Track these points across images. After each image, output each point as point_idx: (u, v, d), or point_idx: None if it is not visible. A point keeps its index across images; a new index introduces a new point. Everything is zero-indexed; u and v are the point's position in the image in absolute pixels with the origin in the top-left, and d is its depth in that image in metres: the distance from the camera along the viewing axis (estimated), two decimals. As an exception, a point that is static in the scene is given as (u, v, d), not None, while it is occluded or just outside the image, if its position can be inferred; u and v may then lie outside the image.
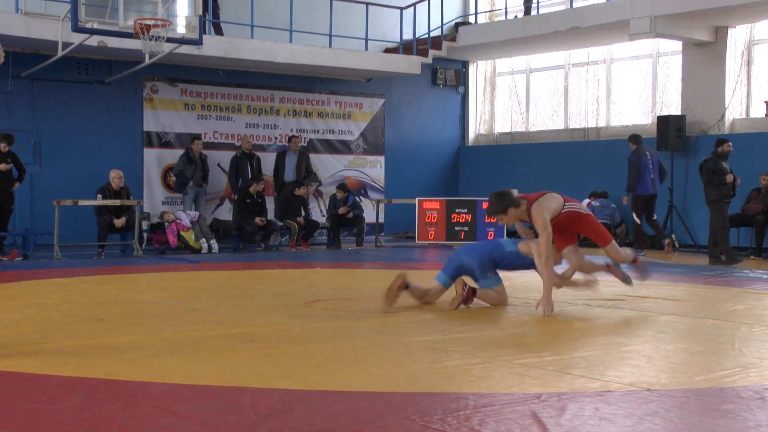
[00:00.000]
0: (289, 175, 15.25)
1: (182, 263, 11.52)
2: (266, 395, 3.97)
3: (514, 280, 9.37)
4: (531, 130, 18.40)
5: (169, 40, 12.07)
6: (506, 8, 17.51)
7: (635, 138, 14.17)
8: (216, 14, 15.41)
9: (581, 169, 16.87)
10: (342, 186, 15.64)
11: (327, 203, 16.15)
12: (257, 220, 14.20)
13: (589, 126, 17.32)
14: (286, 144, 15.74)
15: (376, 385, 4.26)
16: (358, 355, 5.08)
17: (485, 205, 15.11)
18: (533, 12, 17.20)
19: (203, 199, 14.83)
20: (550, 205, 6.92)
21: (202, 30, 12.62)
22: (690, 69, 15.32)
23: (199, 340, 5.47)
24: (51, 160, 14.37)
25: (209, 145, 15.46)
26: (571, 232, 7.19)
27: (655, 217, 14.09)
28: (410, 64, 16.74)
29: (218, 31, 15.41)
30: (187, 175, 14.32)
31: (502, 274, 7.38)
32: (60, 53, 12.67)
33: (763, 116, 14.62)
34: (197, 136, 14.93)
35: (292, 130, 16.43)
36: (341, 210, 15.09)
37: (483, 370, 4.58)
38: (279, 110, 16.49)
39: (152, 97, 15.13)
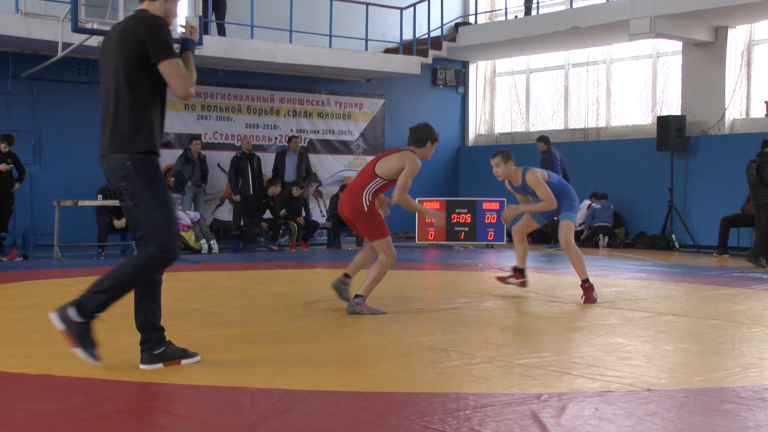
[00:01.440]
0: (290, 175, 15.25)
1: (182, 263, 11.52)
2: (266, 395, 3.97)
3: (514, 280, 9.37)
4: (531, 130, 18.40)
5: (169, 40, 12.06)
6: (506, 8, 17.51)
7: (546, 139, 14.98)
8: (223, 15, 15.38)
9: (581, 169, 16.87)
10: (344, 187, 15.64)
11: (327, 203, 16.15)
12: (281, 212, 14.29)
13: (589, 126, 17.33)
14: (286, 144, 15.74)
15: (376, 385, 4.26)
16: (358, 355, 5.08)
17: (485, 206, 15.16)
18: (533, 12, 17.21)
19: (202, 199, 14.83)
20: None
21: (202, 30, 12.60)
22: (690, 69, 15.32)
23: (199, 340, 5.46)
24: (51, 160, 14.37)
25: (209, 146, 15.46)
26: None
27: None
28: (410, 64, 16.75)
29: (221, 32, 15.40)
30: (185, 175, 14.32)
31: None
32: (60, 54, 12.66)
33: (763, 116, 14.62)
34: (196, 137, 14.92)
35: (292, 131, 16.43)
36: (342, 210, 15.10)
37: (483, 370, 4.57)
38: (279, 110, 16.50)
39: (152, 98, 15.12)
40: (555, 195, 7.62)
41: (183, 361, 4.63)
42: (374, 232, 6.74)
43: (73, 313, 4.37)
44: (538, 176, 7.71)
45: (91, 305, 4.39)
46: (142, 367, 4.57)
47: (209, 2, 14.70)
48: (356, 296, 6.70)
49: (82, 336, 4.38)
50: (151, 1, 4.52)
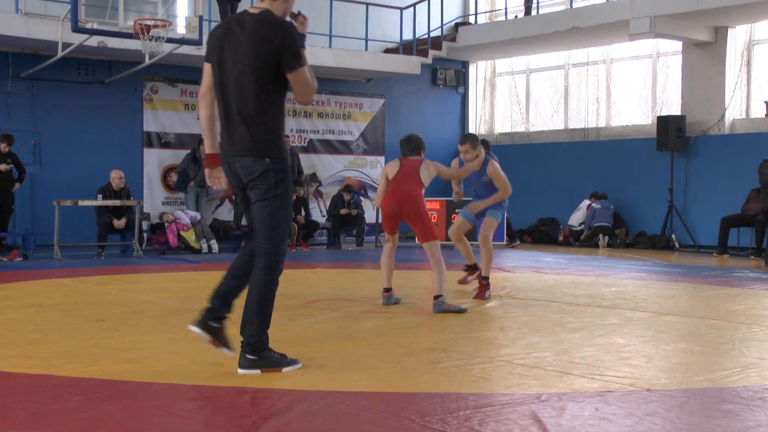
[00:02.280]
0: None
1: (182, 263, 11.52)
2: (266, 395, 3.97)
3: (514, 280, 9.38)
4: (531, 130, 18.40)
5: (169, 40, 12.08)
6: (506, 8, 17.51)
7: (486, 143, 14.94)
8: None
9: (581, 169, 16.88)
10: (348, 187, 15.61)
11: (327, 203, 16.14)
12: (299, 218, 14.39)
13: (589, 126, 17.32)
14: None
15: (376, 385, 4.26)
16: (358, 355, 5.08)
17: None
18: (533, 12, 17.20)
19: (204, 199, 14.81)
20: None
21: (202, 30, 12.58)
22: (690, 69, 15.32)
23: (199, 340, 5.46)
24: (51, 160, 14.36)
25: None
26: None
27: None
28: (410, 64, 16.74)
29: None
30: (190, 175, 14.30)
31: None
32: (60, 53, 12.66)
33: (763, 116, 14.62)
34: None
35: (292, 130, 16.43)
36: (343, 211, 15.09)
37: (483, 370, 4.58)
38: (279, 110, 16.48)
39: (152, 98, 15.14)
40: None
41: (219, 348, 4.59)
42: (431, 232, 7.13)
43: (254, 356, 4.48)
44: (497, 168, 8.18)
45: (257, 338, 4.49)
46: (191, 327, 4.56)
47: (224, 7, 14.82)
48: (437, 296, 6.92)
49: (274, 361, 4.53)
50: (272, 0, 4.53)
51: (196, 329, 4.56)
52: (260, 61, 4.43)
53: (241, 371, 4.46)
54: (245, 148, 4.49)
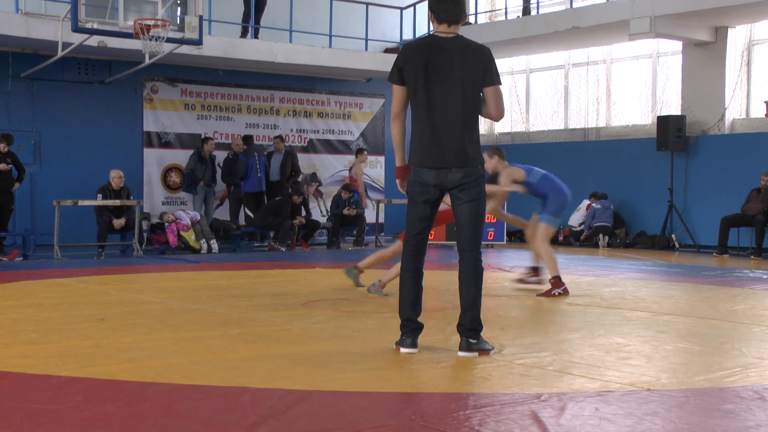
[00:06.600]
0: (274, 175, 15.12)
1: (182, 263, 11.52)
2: (266, 395, 3.97)
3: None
4: (531, 130, 18.40)
5: (169, 40, 12.08)
6: (506, 8, 17.51)
7: (248, 139, 15.30)
8: (258, 18, 15.39)
9: (581, 169, 16.88)
10: (347, 186, 15.61)
11: (327, 203, 16.14)
12: (298, 219, 14.48)
13: (589, 126, 17.33)
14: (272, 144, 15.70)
15: (376, 385, 4.26)
16: (358, 355, 5.07)
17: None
18: (533, 12, 17.20)
19: (212, 198, 14.81)
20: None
21: (203, 30, 12.57)
22: (690, 69, 15.32)
23: (199, 340, 5.46)
24: (51, 160, 14.37)
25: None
26: None
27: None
28: (410, 64, 16.72)
29: (256, 35, 15.41)
30: (198, 175, 14.29)
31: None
32: (60, 53, 12.67)
33: (763, 116, 14.63)
34: (209, 137, 14.90)
35: (292, 130, 16.43)
36: (346, 211, 15.08)
37: (483, 370, 4.57)
38: (279, 110, 16.50)
39: (152, 97, 15.14)
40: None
41: (402, 348, 5.00)
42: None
43: (475, 340, 4.93)
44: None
45: (479, 322, 4.95)
46: (406, 350, 4.97)
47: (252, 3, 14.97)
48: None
49: (485, 344, 4.99)
50: (457, 25, 5.03)
51: (413, 350, 4.98)
52: (472, 79, 4.94)
53: (462, 354, 4.89)
54: (463, 158, 5.04)
